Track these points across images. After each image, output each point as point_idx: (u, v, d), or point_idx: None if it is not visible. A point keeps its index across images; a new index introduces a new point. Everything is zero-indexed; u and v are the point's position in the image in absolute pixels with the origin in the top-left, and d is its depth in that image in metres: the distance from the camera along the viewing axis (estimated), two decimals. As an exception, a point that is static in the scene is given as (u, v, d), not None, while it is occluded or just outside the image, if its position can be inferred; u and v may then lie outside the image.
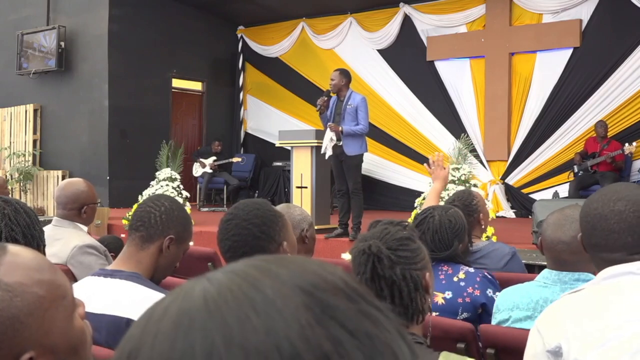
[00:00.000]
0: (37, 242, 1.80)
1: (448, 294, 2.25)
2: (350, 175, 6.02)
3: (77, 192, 2.89)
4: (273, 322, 0.38)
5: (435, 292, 2.26)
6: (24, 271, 0.88)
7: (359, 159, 6.05)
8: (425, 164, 3.51)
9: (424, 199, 6.05)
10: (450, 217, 2.34)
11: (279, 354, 0.37)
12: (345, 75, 6.12)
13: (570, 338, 1.31)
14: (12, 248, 0.92)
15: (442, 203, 3.20)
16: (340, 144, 5.95)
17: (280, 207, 2.47)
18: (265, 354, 0.37)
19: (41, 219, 2.03)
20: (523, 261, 4.20)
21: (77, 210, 2.88)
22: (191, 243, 2.06)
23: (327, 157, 6.01)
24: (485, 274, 2.32)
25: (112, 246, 3.27)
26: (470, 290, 2.25)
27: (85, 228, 2.96)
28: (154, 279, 1.86)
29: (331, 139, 5.92)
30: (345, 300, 0.41)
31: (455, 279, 2.27)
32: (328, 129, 5.93)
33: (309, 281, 0.41)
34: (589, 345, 1.27)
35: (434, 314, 2.14)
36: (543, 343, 1.36)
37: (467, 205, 2.91)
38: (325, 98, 6.03)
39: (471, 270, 2.32)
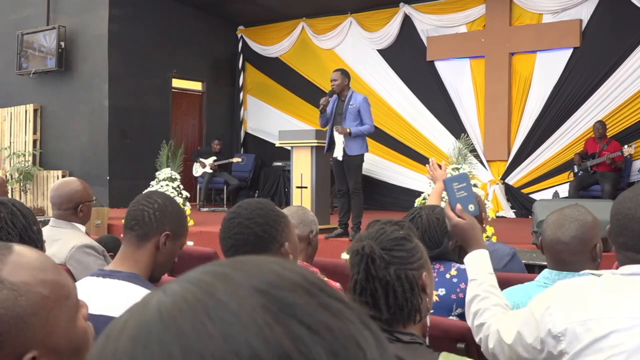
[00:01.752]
0: (34, 244, 1.80)
1: (441, 291, 2.27)
2: (351, 175, 6.03)
3: (72, 191, 2.88)
4: (229, 327, 0.38)
5: None
6: (29, 271, 0.89)
7: (360, 159, 6.06)
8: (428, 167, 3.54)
9: (424, 199, 6.05)
10: (437, 215, 2.36)
11: (238, 359, 0.36)
12: (346, 74, 6.16)
13: (574, 322, 1.33)
14: (18, 248, 0.92)
15: (443, 203, 3.20)
16: (338, 155, 5.98)
17: (293, 208, 2.48)
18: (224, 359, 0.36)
19: (41, 219, 2.04)
20: (523, 261, 4.20)
21: (73, 209, 2.86)
22: (191, 243, 2.06)
23: (340, 158, 5.99)
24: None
25: (111, 246, 3.26)
26: (462, 286, 2.26)
27: (82, 228, 2.95)
28: (154, 276, 1.86)
29: (343, 142, 5.94)
30: (303, 296, 0.40)
31: (447, 275, 2.30)
32: (336, 133, 5.94)
33: (265, 280, 0.41)
34: (589, 333, 1.30)
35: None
36: (544, 325, 1.38)
37: None
38: (329, 98, 6.05)
39: (462, 266, 2.32)
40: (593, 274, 1.47)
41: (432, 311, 2.16)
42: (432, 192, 3.51)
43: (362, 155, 6.07)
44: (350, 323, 0.40)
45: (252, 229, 1.75)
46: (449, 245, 2.36)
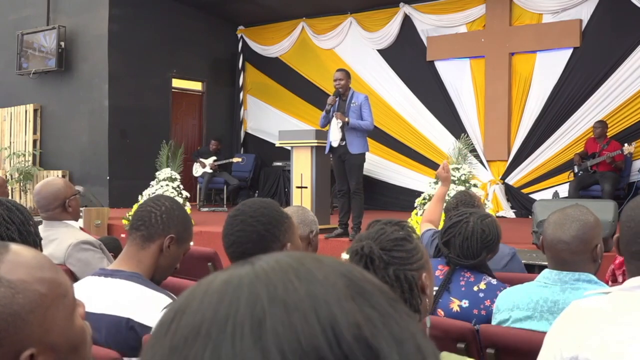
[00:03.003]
0: (33, 238, 1.81)
1: (465, 303, 2.21)
2: (352, 175, 6.04)
3: (55, 189, 2.87)
4: (314, 288, 0.42)
5: (452, 298, 2.24)
6: (26, 269, 0.89)
7: (361, 158, 6.08)
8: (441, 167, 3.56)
9: (424, 199, 6.05)
10: (484, 226, 2.27)
11: (316, 314, 0.40)
12: (349, 75, 6.25)
13: (588, 349, 1.28)
14: (14, 247, 0.92)
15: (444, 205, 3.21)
16: (344, 143, 5.98)
17: (293, 208, 2.48)
18: (305, 311, 0.40)
19: (37, 218, 2.04)
20: (523, 261, 4.20)
21: (61, 207, 2.85)
22: (191, 243, 2.06)
23: (335, 144, 6.00)
24: (508, 287, 2.26)
25: (110, 247, 3.26)
26: (487, 303, 2.20)
27: (75, 224, 2.95)
28: (155, 280, 1.86)
29: (340, 128, 5.95)
30: (378, 292, 0.44)
31: (475, 288, 2.23)
32: (335, 120, 5.97)
33: (349, 270, 0.45)
34: (607, 357, 1.24)
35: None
36: (560, 351, 1.34)
37: (470, 208, 2.91)
38: (336, 98, 6.10)
39: (493, 282, 2.26)
40: (601, 292, 1.43)
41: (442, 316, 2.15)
42: (435, 194, 3.51)
43: (364, 154, 6.09)
44: (415, 328, 0.44)
45: (255, 227, 1.75)
46: (486, 258, 2.29)
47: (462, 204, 2.96)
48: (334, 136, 5.98)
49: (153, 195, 2.13)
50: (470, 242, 2.24)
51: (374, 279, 0.46)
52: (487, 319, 2.19)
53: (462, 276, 2.24)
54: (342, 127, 5.94)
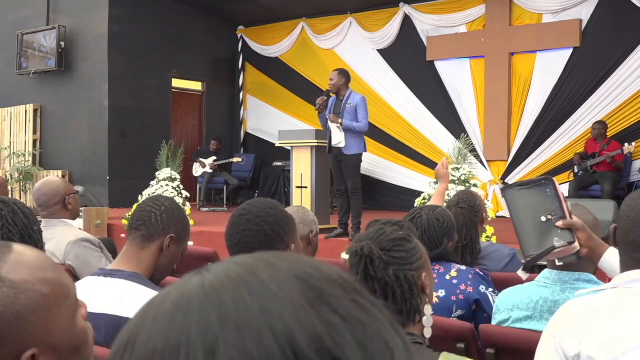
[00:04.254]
0: (35, 243, 1.81)
1: (441, 293, 2.27)
2: (349, 175, 6.03)
3: (54, 187, 2.90)
4: (267, 303, 0.39)
5: None
6: (29, 269, 0.89)
7: (357, 158, 6.05)
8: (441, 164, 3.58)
9: (424, 199, 6.05)
10: (438, 215, 2.36)
11: (272, 332, 0.38)
12: (344, 74, 6.13)
13: (587, 346, 1.27)
14: (17, 247, 0.93)
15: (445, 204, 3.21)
16: (339, 143, 5.97)
17: (293, 208, 2.49)
18: (259, 331, 0.38)
19: (40, 218, 2.04)
20: (522, 261, 4.19)
21: (61, 204, 2.88)
22: (191, 243, 2.07)
23: (342, 145, 5.97)
24: (477, 270, 2.34)
25: (108, 249, 3.26)
26: (463, 287, 2.26)
27: (74, 223, 2.96)
28: (154, 279, 1.87)
29: (338, 129, 5.95)
30: (339, 290, 0.42)
31: (447, 277, 2.29)
32: (330, 123, 5.96)
33: (305, 271, 0.42)
34: (606, 355, 1.24)
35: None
36: (561, 351, 1.33)
37: (472, 206, 2.93)
38: (325, 97, 6.05)
39: (463, 267, 2.34)
40: (593, 291, 1.41)
41: (432, 312, 2.17)
42: (435, 192, 3.52)
43: (360, 154, 6.06)
44: (380, 324, 0.42)
45: (261, 227, 1.76)
46: (448, 246, 2.36)
47: (464, 201, 2.97)
48: (336, 139, 5.96)
49: (152, 195, 2.14)
50: (430, 234, 2.32)
51: (334, 271, 0.44)
52: (467, 302, 2.25)
53: (432, 269, 2.28)
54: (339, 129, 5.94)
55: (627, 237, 1.35)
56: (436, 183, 6.10)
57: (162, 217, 1.86)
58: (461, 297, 2.25)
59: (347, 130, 5.91)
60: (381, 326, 0.42)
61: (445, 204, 3.24)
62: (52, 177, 3.06)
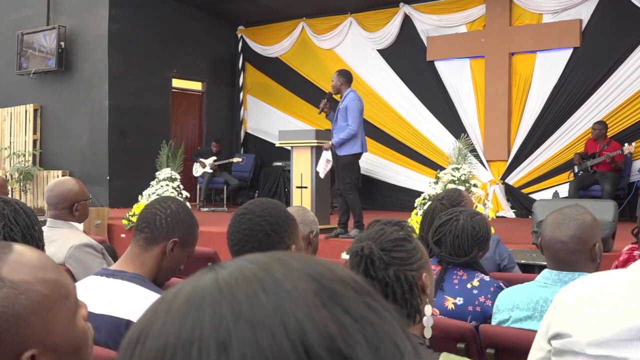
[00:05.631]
0: (36, 243, 1.81)
1: (459, 300, 2.22)
2: (339, 175, 6.09)
3: (66, 191, 2.87)
4: (281, 301, 0.39)
5: (446, 297, 2.24)
6: (29, 270, 0.89)
7: (348, 159, 6.02)
8: None
9: (424, 199, 6.05)
10: (474, 223, 2.28)
11: (285, 330, 0.38)
12: (343, 75, 6.13)
13: (568, 325, 1.28)
14: (18, 247, 0.92)
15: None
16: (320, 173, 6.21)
17: (293, 208, 2.49)
18: (272, 328, 0.38)
19: (41, 219, 2.04)
20: (523, 261, 4.22)
21: (68, 209, 2.86)
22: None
23: (322, 176, 6.21)
24: (501, 284, 2.28)
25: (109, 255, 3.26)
26: (482, 299, 2.21)
27: (80, 226, 2.95)
28: (157, 282, 1.86)
29: (327, 160, 6.05)
30: (351, 291, 0.42)
31: (468, 285, 2.24)
32: (324, 151, 6.07)
33: (319, 271, 0.43)
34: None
35: (440, 316, 2.13)
36: (547, 331, 1.35)
37: (454, 205, 2.89)
38: (325, 100, 6.09)
39: (486, 278, 2.27)
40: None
41: (437, 313, 2.16)
42: None
43: (352, 155, 6.01)
44: (392, 326, 0.42)
45: (262, 227, 1.76)
46: (477, 255, 2.30)
47: (447, 198, 2.95)
48: (319, 167, 6.15)
49: (156, 195, 2.12)
50: (461, 240, 2.25)
51: (347, 273, 0.44)
52: (483, 315, 2.20)
53: (455, 274, 2.25)
54: (332, 156, 6.03)
55: None
56: (436, 183, 6.11)
57: (167, 220, 1.84)
58: (478, 308, 2.20)
59: (343, 141, 5.92)
60: (392, 329, 0.42)
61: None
62: (69, 180, 3.01)
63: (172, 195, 7.21)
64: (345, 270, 0.44)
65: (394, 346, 0.41)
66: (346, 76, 6.13)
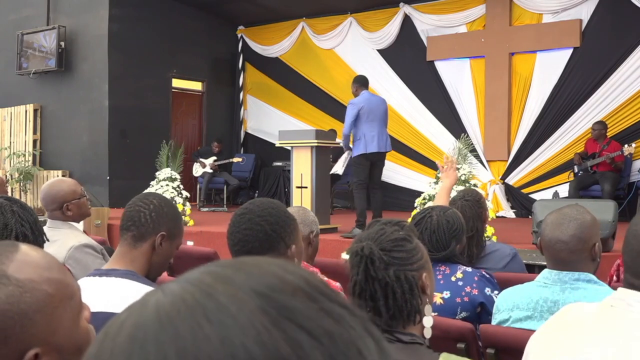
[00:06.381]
0: (42, 238, 1.85)
1: (446, 294, 2.25)
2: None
3: (54, 192, 2.85)
4: (227, 330, 0.37)
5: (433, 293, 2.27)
6: (35, 269, 0.90)
7: (353, 160, 6.37)
8: (439, 164, 3.58)
9: (424, 199, 6.06)
10: (448, 217, 2.33)
11: None
12: (356, 80, 6.57)
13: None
14: (24, 247, 0.93)
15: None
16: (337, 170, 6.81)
17: (294, 208, 2.50)
18: None
19: (41, 219, 2.05)
20: (523, 261, 4.21)
21: (59, 210, 2.84)
22: (191, 243, 2.07)
23: (340, 172, 6.98)
24: (483, 272, 2.33)
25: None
26: (468, 289, 2.25)
27: (80, 226, 2.95)
28: (150, 277, 1.87)
29: (344, 160, 6.63)
30: (304, 300, 0.40)
31: (453, 278, 2.28)
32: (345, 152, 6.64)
33: (266, 283, 0.40)
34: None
35: (433, 314, 2.14)
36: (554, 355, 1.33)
37: (478, 200, 2.95)
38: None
39: (468, 269, 2.33)
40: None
41: (435, 314, 2.17)
42: (440, 189, 3.53)
43: (355, 157, 6.28)
44: (352, 329, 0.40)
45: (262, 227, 1.76)
46: (456, 248, 2.34)
47: (469, 195, 3.00)
48: (336, 167, 6.82)
49: (142, 193, 2.12)
50: (438, 235, 2.29)
51: (297, 276, 0.42)
52: (472, 304, 2.24)
53: (438, 270, 2.28)
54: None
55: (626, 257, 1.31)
56: (436, 183, 6.11)
57: (152, 215, 1.85)
58: (466, 299, 2.24)
59: (344, 143, 6.45)
60: (352, 333, 0.40)
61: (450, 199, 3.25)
62: (60, 180, 2.99)
63: (172, 195, 7.21)
64: (297, 273, 0.42)
65: (356, 352, 0.39)
66: (359, 81, 6.50)
